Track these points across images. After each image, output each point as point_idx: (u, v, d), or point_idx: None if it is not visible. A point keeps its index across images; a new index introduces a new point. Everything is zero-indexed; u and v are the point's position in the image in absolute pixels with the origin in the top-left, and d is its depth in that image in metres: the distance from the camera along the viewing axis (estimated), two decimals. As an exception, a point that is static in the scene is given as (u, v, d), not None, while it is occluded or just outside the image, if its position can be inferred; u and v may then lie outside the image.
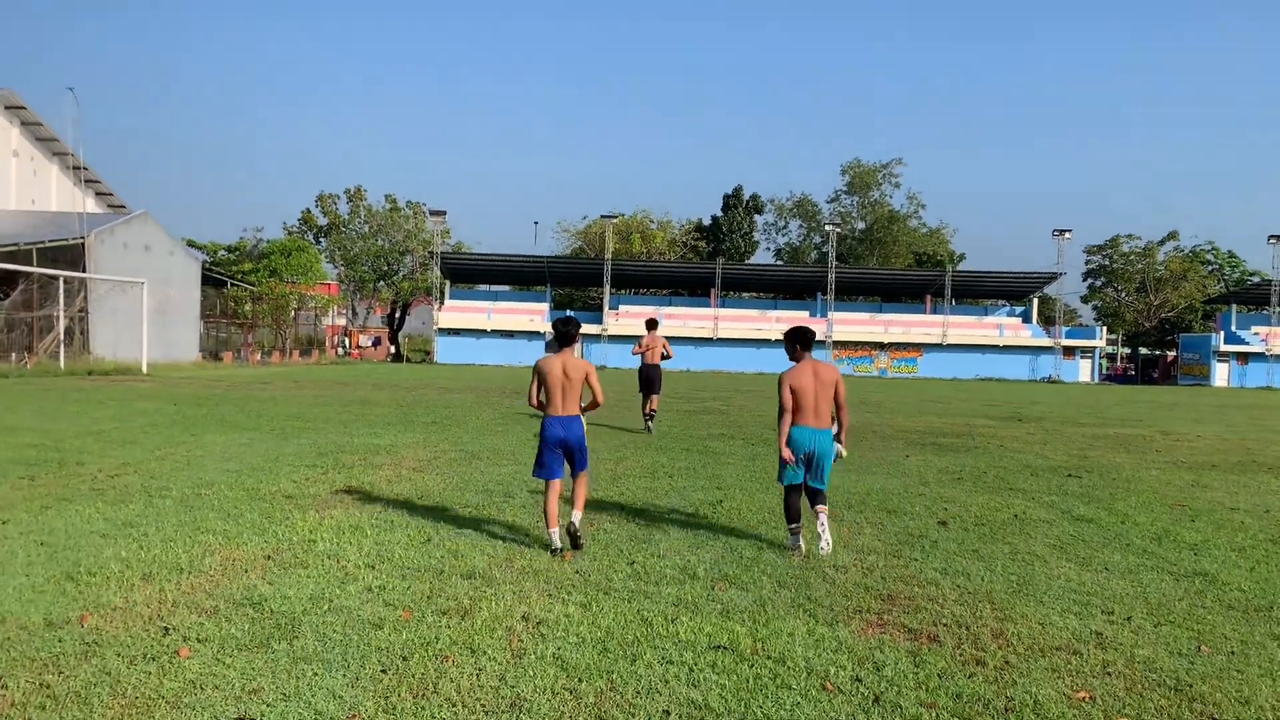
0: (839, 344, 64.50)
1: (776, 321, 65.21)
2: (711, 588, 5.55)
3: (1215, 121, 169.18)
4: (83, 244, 35.61)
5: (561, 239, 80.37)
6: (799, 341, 6.66)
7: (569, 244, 78.90)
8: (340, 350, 66.78)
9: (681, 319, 64.38)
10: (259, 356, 50.35)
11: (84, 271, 35.10)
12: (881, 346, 64.97)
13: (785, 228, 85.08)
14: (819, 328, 65.06)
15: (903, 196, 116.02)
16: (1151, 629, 4.97)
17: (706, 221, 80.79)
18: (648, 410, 15.02)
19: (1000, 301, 72.49)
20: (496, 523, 7.24)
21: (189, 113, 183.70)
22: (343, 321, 75.72)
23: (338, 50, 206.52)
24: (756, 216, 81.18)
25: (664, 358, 15.37)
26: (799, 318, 66.68)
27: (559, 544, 6.33)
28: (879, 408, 23.80)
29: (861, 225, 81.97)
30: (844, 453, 6.91)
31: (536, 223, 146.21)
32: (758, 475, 10.16)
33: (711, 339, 62.82)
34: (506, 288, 75.67)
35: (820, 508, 6.63)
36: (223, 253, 63.33)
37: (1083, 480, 10.69)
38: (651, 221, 77.54)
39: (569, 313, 7.09)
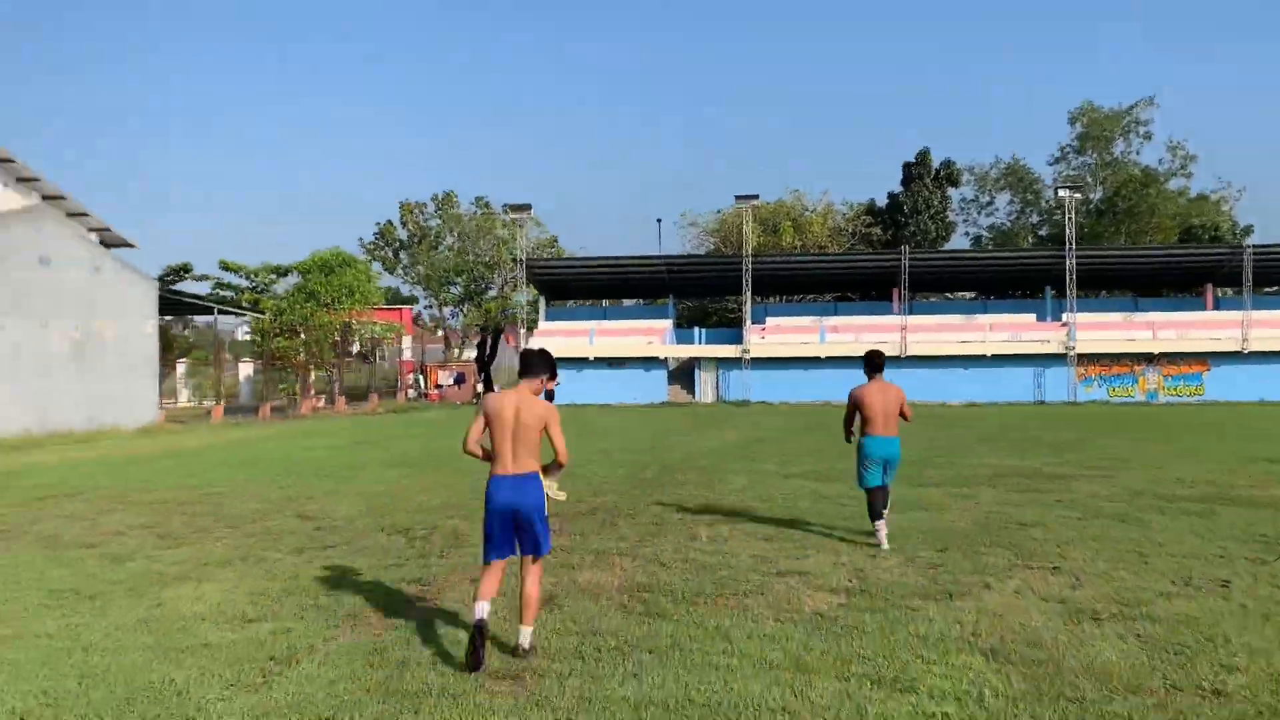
0: (1085, 357, 45.09)
1: (990, 329, 46.60)
2: None
3: None
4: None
5: (688, 235, 64.31)
6: (869, 365, 8.36)
7: (700, 242, 62.81)
8: (413, 391, 53.24)
9: (854, 331, 46.55)
10: (269, 410, 36.82)
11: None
12: (1149, 359, 45.07)
13: (990, 204, 65.04)
14: (1052, 334, 46.02)
15: (1159, 149, 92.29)
16: None
17: (881, 201, 62.59)
18: None
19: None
20: None
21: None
22: (438, 355, 62.85)
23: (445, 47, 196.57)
24: (950, 190, 61.99)
25: None
26: (1022, 322, 47.85)
27: (485, 615, 5.04)
28: None
29: (1098, 194, 61.06)
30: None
31: (659, 220, 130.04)
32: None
33: (899, 357, 44.48)
34: (627, 302, 60.52)
35: (885, 514, 8.22)
36: (271, 275, 51.22)
37: None
38: (805, 206, 60.19)
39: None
